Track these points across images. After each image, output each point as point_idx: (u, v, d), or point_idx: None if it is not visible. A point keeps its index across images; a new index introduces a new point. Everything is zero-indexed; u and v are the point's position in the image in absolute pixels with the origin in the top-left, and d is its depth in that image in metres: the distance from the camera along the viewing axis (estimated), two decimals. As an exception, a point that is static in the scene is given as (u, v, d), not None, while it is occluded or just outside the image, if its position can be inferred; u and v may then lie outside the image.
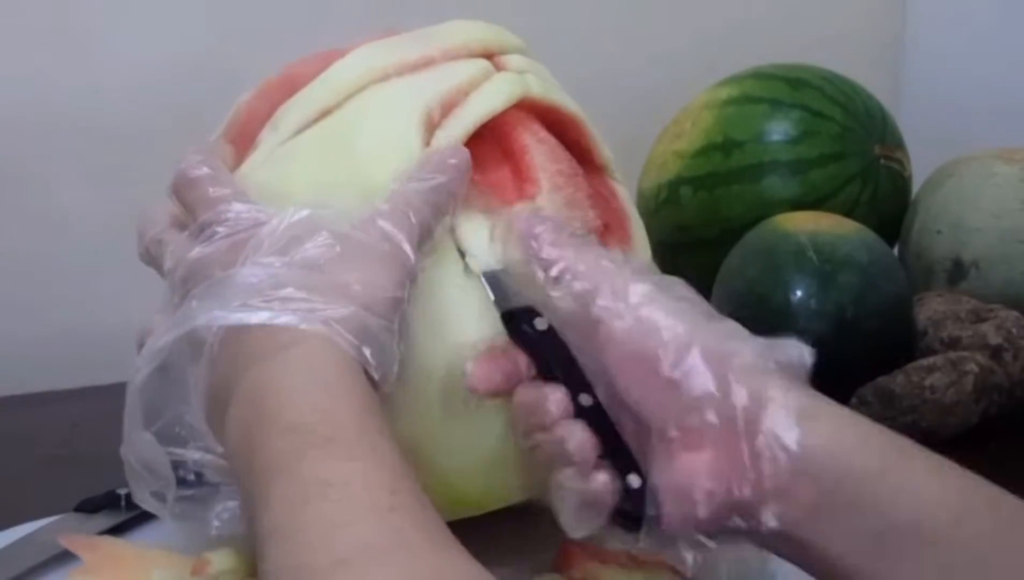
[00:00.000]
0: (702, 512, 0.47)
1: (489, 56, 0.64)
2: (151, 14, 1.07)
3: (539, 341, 0.52)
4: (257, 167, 0.60)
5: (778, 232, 0.89)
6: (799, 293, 0.85)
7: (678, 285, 0.53)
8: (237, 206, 0.53)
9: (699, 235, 1.05)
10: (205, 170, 0.55)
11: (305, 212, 0.52)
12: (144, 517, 0.68)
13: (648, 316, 0.50)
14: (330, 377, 0.46)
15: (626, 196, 0.67)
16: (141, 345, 0.56)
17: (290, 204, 0.54)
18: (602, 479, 0.49)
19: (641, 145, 1.13)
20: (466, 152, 0.57)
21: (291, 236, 0.51)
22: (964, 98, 1.37)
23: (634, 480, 0.49)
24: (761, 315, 0.87)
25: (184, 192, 0.56)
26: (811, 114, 1.04)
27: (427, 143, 0.58)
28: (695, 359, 0.48)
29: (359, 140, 0.58)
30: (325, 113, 0.60)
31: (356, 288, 0.49)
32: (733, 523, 0.47)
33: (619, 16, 1.29)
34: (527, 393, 0.52)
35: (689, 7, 1.34)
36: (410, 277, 0.52)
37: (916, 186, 1.08)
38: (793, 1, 1.41)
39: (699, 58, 1.26)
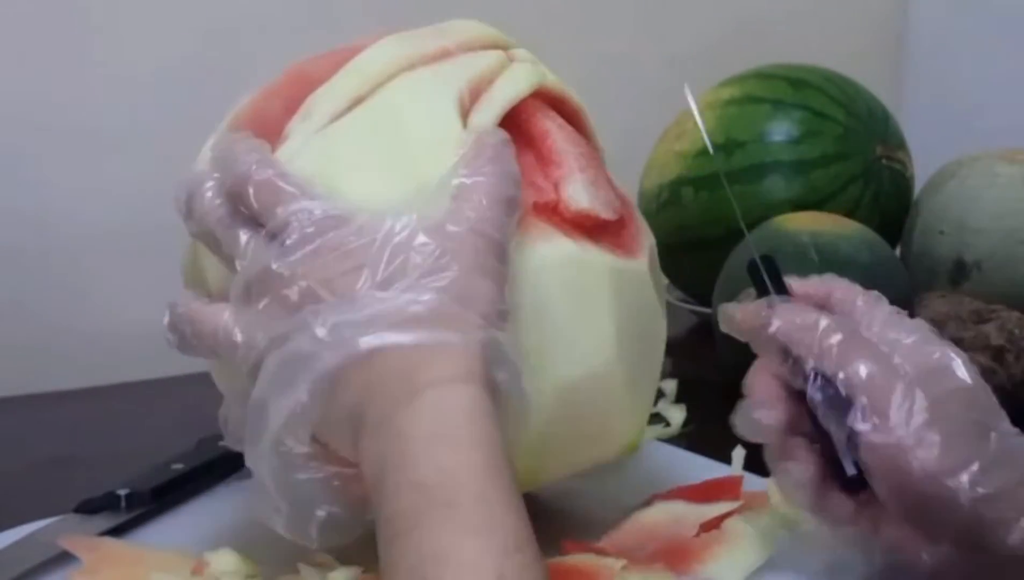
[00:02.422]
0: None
1: (497, 49, 0.65)
2: (148, 13, 1.07)
3: None
4: (294, 155, 0.58)
5: (780, 232, 0.89)
6: (800, 294, 0.84)
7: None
8: (307, 204, 0.52)
9: (701, 235, 1.05)
10: (270, 171, 0.54)
11: (393, 218, 0.51)
12: (144, 518, 0.68)
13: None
14: (461, 429, 0.46)
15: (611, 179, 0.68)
16: (174, 327, 0.55)
17: (341, 189, 0.54)
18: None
19: (642, 145, 1.13)
20: (508, 136, 0.57)
21: (391, 244, 0.50)
22: (966, 98, 1.37)
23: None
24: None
25: (248, 193, 0.54)
26: (813, 114, 1.04)
27: (464, 127, 0.59)
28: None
29: (403, 126, 0.58)
30: (358, 101, 0.59)
31: (480, 297, 0.50)
32: None
33: (619, 17, 1.29)
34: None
35: (690, 7, 1.34)
36: (506, 272, 0.53)
37: (918, 186, 1.08)
38: (796, 1, 1.41)
39: (701, 58, 1.26)
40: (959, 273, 0.98)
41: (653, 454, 0.74)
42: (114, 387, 0.99)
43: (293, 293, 0.50)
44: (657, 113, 1.12)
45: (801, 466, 0.56)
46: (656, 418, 0.80)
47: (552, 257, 0.57)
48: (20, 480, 0.78)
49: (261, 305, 0.51)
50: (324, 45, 0.65)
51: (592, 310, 0.59)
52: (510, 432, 0.49)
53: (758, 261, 0.60)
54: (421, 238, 0.50)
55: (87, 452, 0.84)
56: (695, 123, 1.09)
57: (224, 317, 0.53)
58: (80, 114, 1.05)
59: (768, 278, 0.60)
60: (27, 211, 1.03)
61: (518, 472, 0.57)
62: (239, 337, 0.52)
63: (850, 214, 0.96)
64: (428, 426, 0.46)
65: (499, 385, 0.49)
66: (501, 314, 0.51)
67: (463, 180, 0.54)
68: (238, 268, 0.53)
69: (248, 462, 0.51)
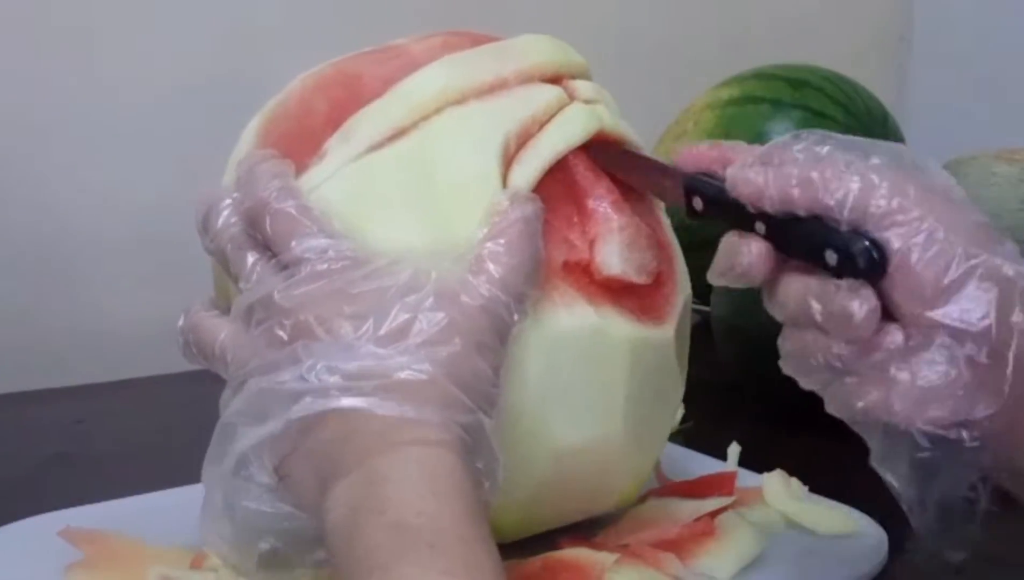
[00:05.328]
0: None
1: (559, 79, 0.61)
2: (156, 14, 1.08)
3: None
4: (326, 180, 0.57)
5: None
6: (798, 292, 0.85)
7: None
8: (322, 241, 0.52)
9: (701, 235, 1.04)
10: (290, 202, 0.53)
11: (409, 272, 0.50)
12: (144, 511, 0.68)
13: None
14: (441, 481, 0.45)
15: (667, 224, 0.65)
16: (183, 332, 0.55)
17: (364, 229, 0.54)
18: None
19: (643, 145, 1.13)
20: (540, 207, 0.55)
21: (400, 300, 0.49)
22: (969, 98, 1.37)
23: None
24: (760, 315, 0.87)
25: (264, 221, 0.53)
26: (812, 114, 1.04)
27: (504, 176, 0.56)
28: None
29: (439, 170, 0.56)
30: (400, 132, 0.57)
31: (474, 377, 0.49)
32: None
33: (618, 17, 1.29)
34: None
35: (692, 7, 1.34)
36: (502, 356, 0.52)
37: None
38: (798, 2, 1.41)
39: (702, 58, 1.26)
40: (957, 272, 0.99)
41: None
42: (118, 384, 0.99)
43: (290, 325, 0.50)
44: (659, 112, 1.12)
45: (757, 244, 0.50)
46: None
47: (569, 327, 0.56)
48: (23, 476, 0.79)
49: (258, 330, 0.51)
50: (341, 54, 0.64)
51: (603, 381, 0.57)
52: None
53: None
54: (430, 303, 0.49)
55: (90, 449, 0.84)
56: (695, 123, 1.10)
57: (222, 335, 0.53)
58: (85, 113, 1.05)
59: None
60: (29, 211, 1.04)
61: (506, 524, 0.57)
62: (229, 356, 0.52)
63: (849, 213, 0.97)
64: (410, 473, 0.45)
65: (480, 471, 0.48)
66: (491, 398, 0.50)
67: (486, 249, 0.53)
68: (242, 289, 0.53)
69: (204, 480, 0.51)
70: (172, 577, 0.59)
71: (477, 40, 0.62)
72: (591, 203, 0.59)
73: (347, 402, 0.47)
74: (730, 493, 0.65)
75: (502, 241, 0.53)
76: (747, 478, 0.68)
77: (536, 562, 0.58)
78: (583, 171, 0.59)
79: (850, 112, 1.05)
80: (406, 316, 0.49)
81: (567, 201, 0.59)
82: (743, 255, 0.50)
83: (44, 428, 0.89)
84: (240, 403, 0.49)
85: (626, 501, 0.63)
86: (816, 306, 0.47)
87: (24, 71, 1.03)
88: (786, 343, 0.51)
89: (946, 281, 0.45)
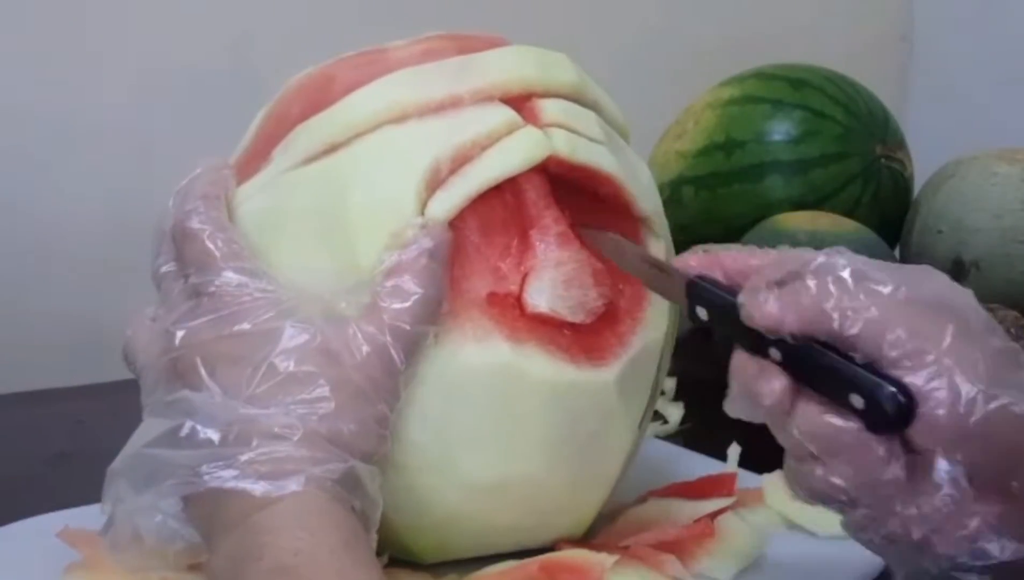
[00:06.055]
0: None
1: (527, 98, 0.58)
2: (156, 16, 1.08)
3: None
4: (257, 191, 0.57)
5: (777, 231, 0.89)
6: (798, 292, 0.85)
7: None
8: (228, 275, 0.52)
9: (701, 235, 1.05)
10: (203, 224, 0.54)
11: (293, 323, 0.51)
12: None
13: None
14: (314, 518, 0.47)
15: (658, 253, 0.61)
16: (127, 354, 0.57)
17: (273, 249, 0.54)
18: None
19: (643, 145, 1.13)
20: (446, 240, 0.54)
21: (282, 351, 0.50)
22: (969, 98, 1.37)
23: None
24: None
25: (181, 241, 0.54)
26: (813, 114, 1.04)
27: (425, 202, 0.54)
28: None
29: (353, 191, 0.54)
30: (333, 148, 0.56)
31: (350, 431, 0.50)
32: None
33: (618, 18, 1.29)
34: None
35: (693, 7, 1.34)
36: (396, 397, 0.52)
37: (918, 186, 1.08)
38: (799, 2, 1.41)
39: (703, 58, 1.26)
40: (957, 272, 0.99)
41: (650, 451, 0.74)
42: (119, 384, 0.99)
43: (182, 360, 0.51)
44: (659, 112, 1.12)
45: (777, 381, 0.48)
46: (655, 415, 0.81)
47: (476, 362, 0.54)
48: (24, 476, 0.79)
49: (162, 359, 0.52)
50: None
51: (515, 420, 0.55)
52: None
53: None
54: (311, 356, 0.50)
55: (92, 449, 0.84)
56: (695, 122, 1.10)
57: (141, 354, 0.55)
58: (86, 114, 1.05)
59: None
60: (29, 209, 1.04)
61: (422, 546, 0.58)
62: (140, 378, 0.55)
63: (849, 213, 0.97)
64: (284, 519, 0.47)
65: (358, 512, 0.49)
66: (371, 445, 0.51)
67: (382, 289, 0.52)
68: (157, 313, 0.55)
69: (108, 507, 0.52)
70: (172, 578, 0.59)
71: (464, 47, 0.60)
72: (534, 234, 0.56)
73: (217, 484, 0.48)
74: (730, 494, 0.65)
75: (401, 278, 0.52)
76: (747, 479, 0.68)
77: (535, 563, 0.58)
78: (534, 198, 0.56)
79: (851, 112, 1.05)
80: (286, 368, 0.50)
81: (507, 229, 0.56)
82: (765, 396, 0.48)
83: (44, 428, 0.89)
84: (124, 458, 0.52)
85: (571, 536, 0.61)
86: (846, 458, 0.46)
87: (28, 72, 1.03)
88: (795, 476, 0.48)
89: (966, 426, 0.44)
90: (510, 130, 0.57)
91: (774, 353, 0.47)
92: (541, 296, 0.55)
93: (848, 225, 0.90)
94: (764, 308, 0.47)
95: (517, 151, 0.56)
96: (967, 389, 0.44)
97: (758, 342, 0.48)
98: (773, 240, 0.89)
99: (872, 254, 0.86)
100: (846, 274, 0.47)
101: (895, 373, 0.45)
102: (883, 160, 1.04)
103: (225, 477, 0.48)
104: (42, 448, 0.84)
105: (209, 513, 0.49)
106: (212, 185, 0.57)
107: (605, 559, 0.57)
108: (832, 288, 0.46)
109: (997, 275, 0.97)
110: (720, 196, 1.04)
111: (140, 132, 1.07)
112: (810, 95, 1.05)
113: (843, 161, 1.03)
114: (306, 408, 0.49)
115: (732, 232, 0.97)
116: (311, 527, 0.46)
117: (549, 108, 0.58)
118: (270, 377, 0.50)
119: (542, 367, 0.55)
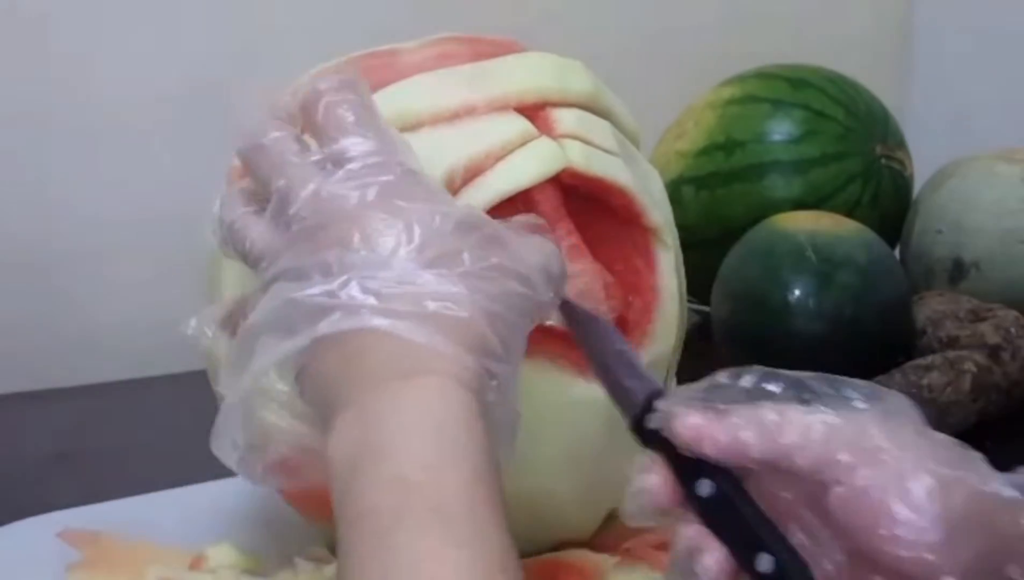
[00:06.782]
0: None
1: (542, 107, 0.58)
2: (159, 16, 1.07)
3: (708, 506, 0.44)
4: None
5: (777, 231, 0.89)
6: (797, 293, 0.85)
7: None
8: (368, 145, 0.48)
9: (701, 235, 1.05)
10: (351, 96, 0.49)
11: (466, 206, 0.48)
12: (143, 512, 0.68)
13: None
14: (446, 427, 0.41)
15: (667, 265, 0.62)
16: (219, 222, 0.50)
17: None
18: None
19: (643, 145, 1.13)
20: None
21: (453, 228, 0.45)
22: (969, 98, 1.37)
23: None
24: (760, 315, 0.87)
25: (316, 111, 0.49)
26: (813, 114, 1.04)
27: None
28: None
29: None
30: None
31: (504, 331, 0.44)
32: None
33: (618, 15, 1.29)
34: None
35: (693, 6, 1.34)
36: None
37: (918, 186, 1.08)
38: (800, 2, 1.41)
39: (703, 57, 1.26)
40: (957, 272, 0.99)
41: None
42: (120, 384, 0.99)
43: (327, 227, 0.45)
44: (659, 112, 1.12)
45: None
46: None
47: None
48: (25, 476, 0.79)
49: (294, 228, 0.47)
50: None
51: (523, 434, 0.51)
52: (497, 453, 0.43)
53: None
54: (481, 240, 0.45)
55: (93, 448, 0.84)
56: (695, 122, 1.09)
57: (255, 230, 0.48)
58: (88, 112, 1.05)
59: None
60: (29, 212, 1.04)
61: None
62: (259, 252, 0.48)
63: (849, 213, 0.97)
64: (413, 416, 0.41)
65: (490, 405, 0.44)
66: (520, 355, 0.46)
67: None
68: (278, 185, 0.48)
69: (222, 387, 0.48)
70: (171, 578, 0.59)
71: (478, 51, 0.60)
72: None
73: (378, 322, 0.43)
74: (730, 494, 0.65)
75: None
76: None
77: (536, 564, 0.58)
78: (547, 210, 0.56)
79: (851, 112, 1.04)
80: (455, 243, 0.45)
81: None
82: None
83: (44, 428, 0.89)
84: (265, 311, 0.45)
85: (572, 542, 0.61)
86: None
87: (29, 73, 1.03)
88: None
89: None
90: (524, 141, 0.56)
91: (702, 487, 0.44)
92: None
93: (849, 225, 0.90)
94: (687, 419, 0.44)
95: (531, 163, 0.56)
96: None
97: (687, 474, 0.45)
98: (773, 240, 0.90)
99: (872, 254, 0.87)
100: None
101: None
102: (883, 160, 1.04)
103: (383, 321, 0.42)
104: (42, 448, 0.84)
105: (334, 375, 0.43)
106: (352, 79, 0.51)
107: (606, 560, 0.58)
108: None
109: (997, 276, 0.97)
110: (720, 196, 1.04)
111: (142, 140, 1.06)
112: (810, 95, 1.05)
113: (843, 161, 1.02)
114: (476, 284, 0.44)
115: (732, 232, 0.97)
116: (442, 436, 0.41)
117: (564, 119, 0.58)
118: (442, 245, 0.45)
119: (551, 381, 0.55)
